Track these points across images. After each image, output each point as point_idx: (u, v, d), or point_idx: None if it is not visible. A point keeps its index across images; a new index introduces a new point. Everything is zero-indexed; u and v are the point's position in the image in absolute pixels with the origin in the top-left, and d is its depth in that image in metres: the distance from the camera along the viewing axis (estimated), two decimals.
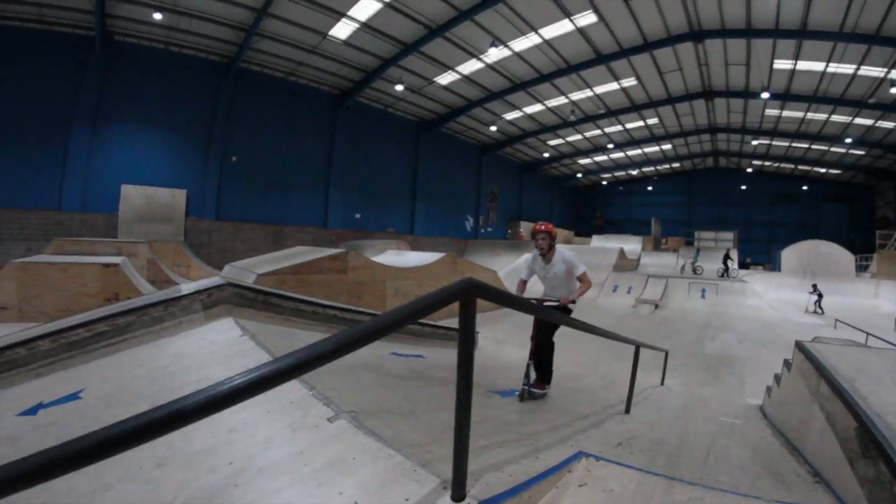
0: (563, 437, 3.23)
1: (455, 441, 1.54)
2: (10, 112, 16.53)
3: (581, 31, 19.84)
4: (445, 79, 24.03)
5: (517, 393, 4.31)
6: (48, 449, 1.00)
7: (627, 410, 4.62)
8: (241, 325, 3.82)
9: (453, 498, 1.53)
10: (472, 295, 1.62)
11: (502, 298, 1.99)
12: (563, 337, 4.76)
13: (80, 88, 17.61)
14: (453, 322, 1.88)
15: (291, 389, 2.52)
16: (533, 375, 4.45)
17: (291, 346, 3.06)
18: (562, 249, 4.86)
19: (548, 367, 4.68)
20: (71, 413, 3.05)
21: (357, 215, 25.76)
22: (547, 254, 4.79)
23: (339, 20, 18.64)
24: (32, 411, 3.19)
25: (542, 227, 4.76)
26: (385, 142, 27.22)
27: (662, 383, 7.44)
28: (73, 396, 3.23)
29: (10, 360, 3.86)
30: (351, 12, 18.16)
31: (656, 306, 17.71)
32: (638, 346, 5.16)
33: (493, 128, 31.20)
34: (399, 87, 23.60)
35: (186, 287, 4.58)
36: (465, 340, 1.63)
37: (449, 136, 31.51)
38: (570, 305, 4.61)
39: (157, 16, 17.45)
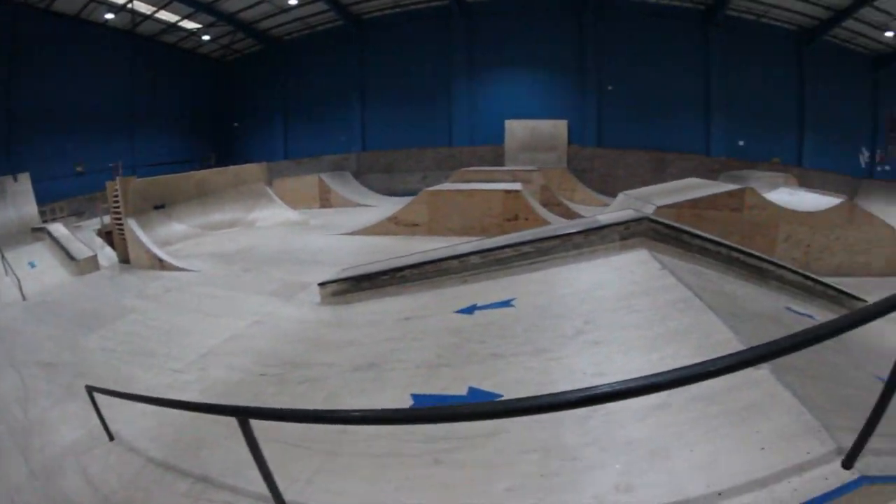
0: None
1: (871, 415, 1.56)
2: (408, 76, 23.11)
3: None
4: None
5: None
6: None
7: None
8: (657, 259, 3.87)
9: (843, 465, 1.65)
10: None
11: None
12: None
13: (450, 48, 22.15)
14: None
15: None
16: None
17: (706, 286, 3.43)
18: None
19: None
20: (506, 316, 3.60)
21: (740, 143, 22.24)
22: None
23: None
24: (469, 310, 3.91)
25: None
26: (761, 58, 22.45)
27: None
28: (506, 303, 3.79)
29: (444, 269, 4.89)
30: None
31: None
32: None
33: (890, 33, 20.85)
34: None
35: (605, 217, 4.85)
36: None
37: (834, 46, 22.87)
38: None
39: None
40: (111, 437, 3.78)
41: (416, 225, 10.49)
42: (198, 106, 27.78)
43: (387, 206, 15.27)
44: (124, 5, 20.84)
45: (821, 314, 4.52)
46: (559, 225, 5.51)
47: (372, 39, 23.43)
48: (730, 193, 9.36)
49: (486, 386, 2.78)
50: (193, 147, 27.49)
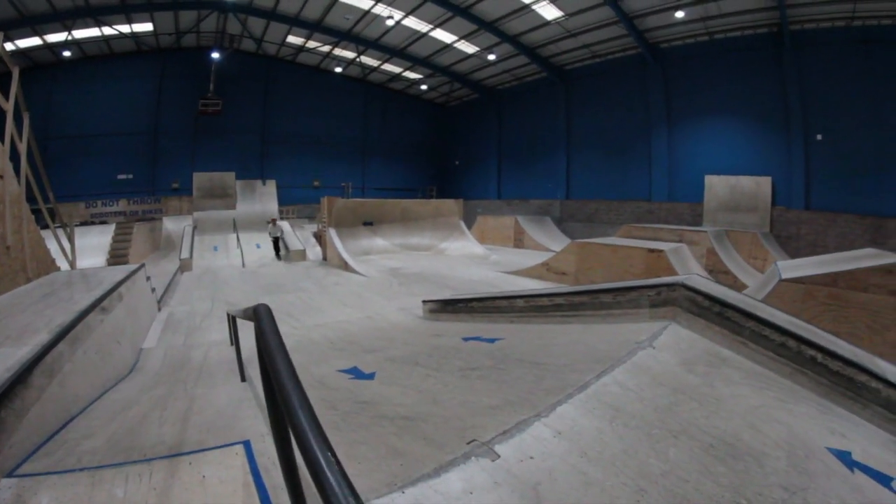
0: None
1: None
2: (609, 127, 23.06)
3: None
4: None
5: None
6: None
7: None
8: (672, 335, 3.39)
9: None
10: None
11: None
12: None
13: (648, 98, 21.62)
14: None
15: None
16: None
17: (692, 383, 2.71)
18: None
19: None
20: (473, 348, 4.20)
21: None
22: None
23: None
24: (468, 339, 4.61)
25: None
26: None
27: None
28: (492, 340, 4.33)
29: (498, 307, 5.61)
30: None
31: None
32: None
33: None
34: None
35: (642, 281, 4.31)
36: None
37: None
38: None
39: (679, 14, 18.20)
40: (231, 343, 5.44)
41: (565, 273, 10.80)
42: (423, 143, 32.36)
43: None
44: (353, 60, 26.00)
45: None
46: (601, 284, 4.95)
47: (575, 89, 24.41)
48: (886, 269, 6.83)
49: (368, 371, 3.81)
50: (418, 178, 32.05)
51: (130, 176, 23.81)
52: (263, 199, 22.82)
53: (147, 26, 21.75)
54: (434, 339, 5.12)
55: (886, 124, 16.62)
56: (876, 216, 17.02)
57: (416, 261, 14.01)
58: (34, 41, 20.19)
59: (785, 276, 7.55)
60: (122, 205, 23.13)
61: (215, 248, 16.64)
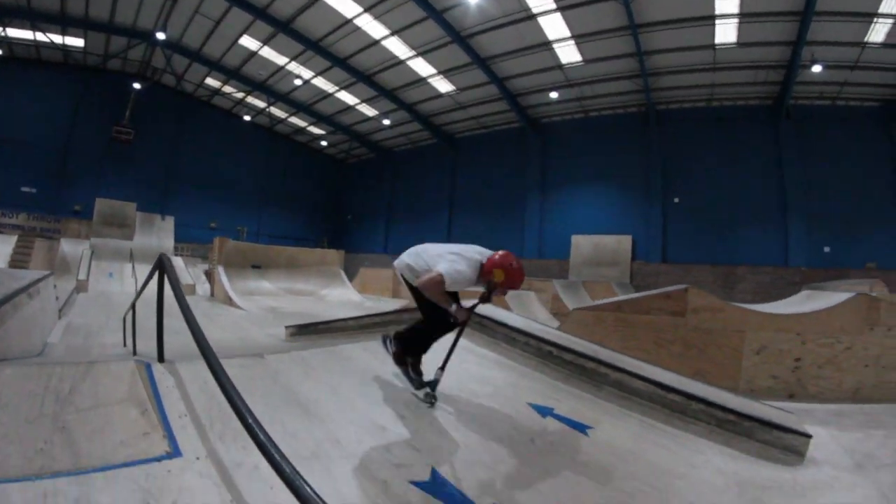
0: None
1: None
2: (489, 190, 26.06)
3: None
4: None
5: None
6: None
7: None
8: None
9: None
10: None
11: None
12: None
13: (526, 166, 24.92)
14: None
15: None
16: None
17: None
18: None
19: None
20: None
21: (826, 249, 19.33)
22: None
23: (711, 26, 16.86)
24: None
25: None
26: (843, 147, 19.17)
27: None
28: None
29: (337, 327, 7.22)
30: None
31: None
32: None
33: None
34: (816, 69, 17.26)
35: None
36: None
37: None
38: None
39: (554, 94, 22.16)
40: (125, 345, 6.74)
41: None
42: (319, 196, 34.22)
43: None
44: (262, 110, 27.85)
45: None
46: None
47: (462, 155, 27.42)
48: (665, 295, 7.90)
49: None
50: (312, 229, 33.61)
51: (34, 190, 23.48)
52: (161, 234, 23.01)
53: (79, 42, 22.37)
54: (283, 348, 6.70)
55: (736, 187, 20.17)
56: (727, 265, 19.96)
57: (296, 303, 15.04)
58: None
59: (579, 306, 9.02)
60: (21, 219, 22.58)
61: (111, 275, 17.10)
